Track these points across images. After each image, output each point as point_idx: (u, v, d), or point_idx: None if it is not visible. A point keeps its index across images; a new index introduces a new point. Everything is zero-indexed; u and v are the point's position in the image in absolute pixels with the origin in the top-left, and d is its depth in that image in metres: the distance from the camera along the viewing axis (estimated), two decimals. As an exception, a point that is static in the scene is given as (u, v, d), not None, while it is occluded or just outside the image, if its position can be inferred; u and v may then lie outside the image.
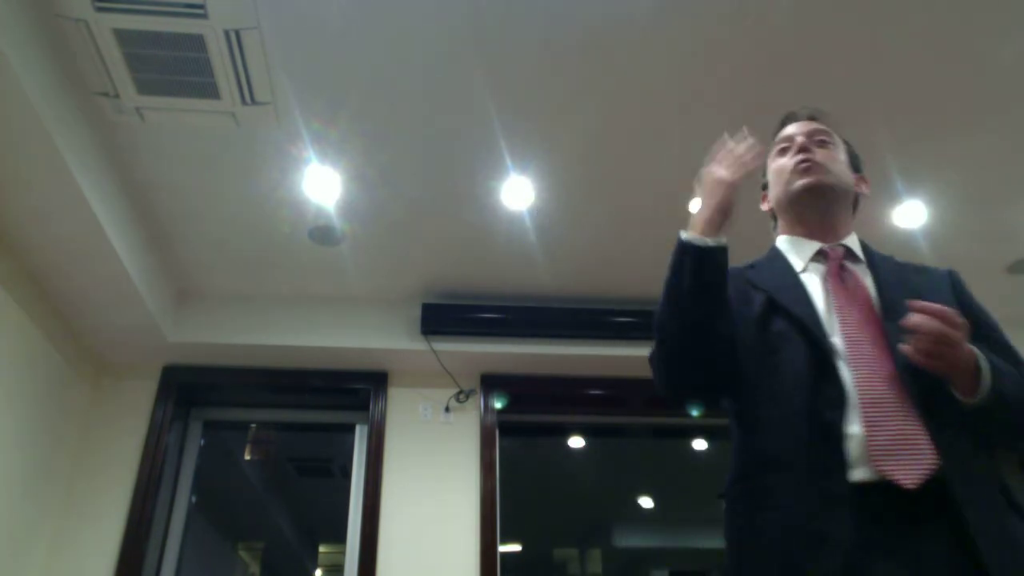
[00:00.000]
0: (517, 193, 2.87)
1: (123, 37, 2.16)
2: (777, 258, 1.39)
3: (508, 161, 2.72)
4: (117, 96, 2.35)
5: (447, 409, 3.52)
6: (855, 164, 1.49)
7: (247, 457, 4.31)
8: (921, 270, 1.37)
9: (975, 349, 1.10)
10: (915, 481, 1.03)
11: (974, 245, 3.22)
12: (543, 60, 2.33)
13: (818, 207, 1.38)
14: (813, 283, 1.29)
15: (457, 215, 2.99)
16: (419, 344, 3.42)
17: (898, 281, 1.28)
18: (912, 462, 1.04)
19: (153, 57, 2.23)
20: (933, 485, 1.03)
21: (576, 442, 4.09)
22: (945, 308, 1.06)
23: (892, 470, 1.04)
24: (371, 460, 3.35)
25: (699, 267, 1.19)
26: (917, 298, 1.17)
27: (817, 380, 1.15)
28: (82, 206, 2.43)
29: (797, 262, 1.35)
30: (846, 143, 1.51)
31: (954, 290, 1.34)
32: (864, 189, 1.47)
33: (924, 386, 1.11)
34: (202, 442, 3.56)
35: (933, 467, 1.04)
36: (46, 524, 2.99)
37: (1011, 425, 1.15)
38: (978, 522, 1.01)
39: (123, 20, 2.10)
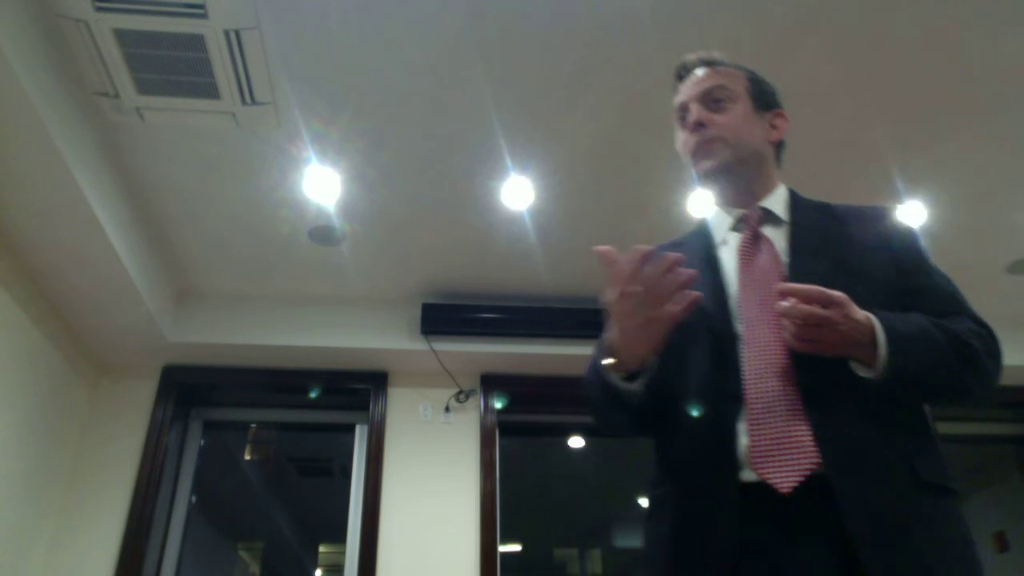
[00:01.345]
0: (517, 193, 2.87)
1: (123, 37, 2.16)
2: (702, 231, 1.31)
3: (508, 161, 2.72)
4: (117, 96, 2.35)
5: (447, 409, 3.52)
6: (765, 101, 1.36)
7: (247, 457, 4.31)
8: (855, 218, 1.23)
9: (872, 318, 1.00)
10: (790, 485, 0.96)
11: (974, 245, 3.22)
12: (543, 60, 2.33)
13: (727, 184, 1.28)
14: (729, 258, 1.21)
15: (457, 215, 2.99)
16: (419, 344, 3.42)
17: (819, 241, 1.17)
18: (790, 463, 0.97)
19: (153, 57, 2.23)
20: (817, 487, 0.95)
21: (576, 442, 4.09)
22: (813, 289, 0.98)
23: (769, 473, 0.97)
24: (371, 460, 3.35)
25: (617, 399, 1.10)
26: (838, 258, 1.12)
27: (718, 375, 1.08)
28: (82, 206, 2.43)
29: (718, 234, 1.27)
30: (750, 78, 1.36)
31: (888, 238, 1.21)
32: (778, 133, 1.36)
33: (819, 371, 1.02)
34: (202, 442, 3.56)
35: (812, 468, 0.96)
36: (46, 524, 2.99)
37: (929, 389, 1.06)
38: (864, 527, 0.92)
39: (123, 20, 2.10)
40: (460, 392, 3.55)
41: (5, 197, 2.39)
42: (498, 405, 3.58)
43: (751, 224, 1.23)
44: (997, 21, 2.24)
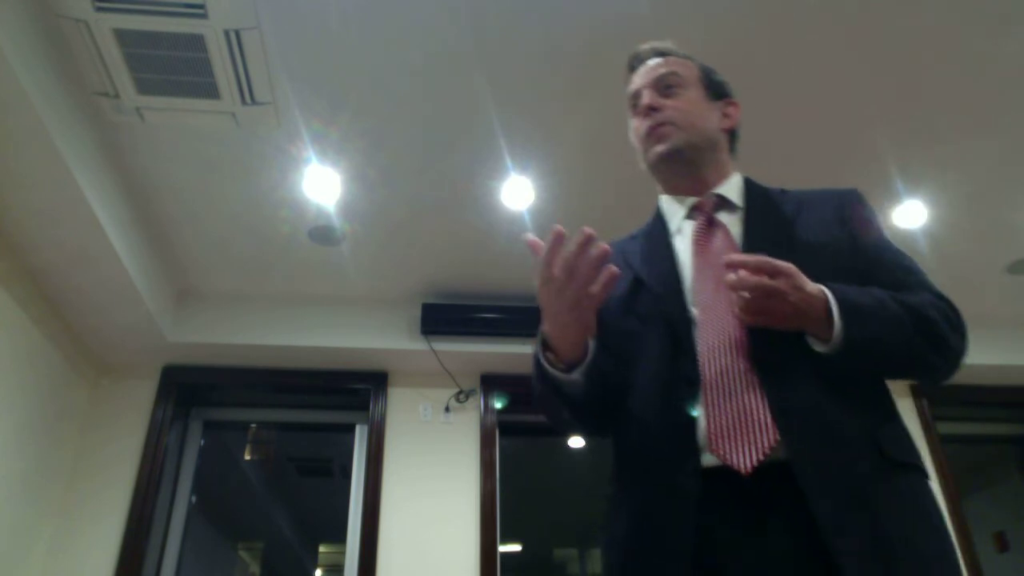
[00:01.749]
0: (517, 193, 2.87)
1: (123, 37, 2.16)
2: (656, 221, 1.29)
3: (508, 161, 2.72)
4: (117, 96, 2.35)
5: (447, 409, 3.52)
6: (717, 91, 1.34)
7: (247, 457, 4.31)
8: (811, 200, 1.20)
9: (825, 289, 0.98)
10: (748, 465, 0.92)
11: (974, 245, 3.22)
12: (543, 60, 2.33)
13: (679, 171, 1.26)
14: (684, 246, 1.18)
15: (457, 215, 2.99)
16: (419, 344, 3.42)
17: (774, 226, 1.15)
18: (748, 443, 0.93)
19: (153, 57, 2.23)
20: (779, 467, 0.92)
21: (576, 442, 4.09)
22: (759, 259, 0.96)
23: (727, 454, 0.93)
24: (371, 460, 3.35)
25: (559, 391, 1.08)
26: (792, 239, 1.11)
27: (673, 360, 1.04)
28: (82, 206, 2.43)
29: (672, 223, 1.25)
30: (701, 67, 1.35)
31: (844, 217, 1.16)
32: (731, 121, 1.34)
33: (777, 342, 0.99)
34: (202, 442, 3.56)
35: (770, 446, 0.92)
36: (46, 524, 2.99)
37: (889, 362, 1.03)
38: (826, 506, 0.89)
39: (123, 20, 2.10)
40: (460, 392, 3.55)
41: (5, 197, 2.39)
42: (498, 405, 3.58)
43: (705, 211, 1.21)
44: (997, 21, 2.24)
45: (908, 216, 3.02)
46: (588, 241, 0.98)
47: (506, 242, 3.14)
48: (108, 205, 2.59)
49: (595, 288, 1.00)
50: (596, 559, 4.39)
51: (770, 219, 1.17)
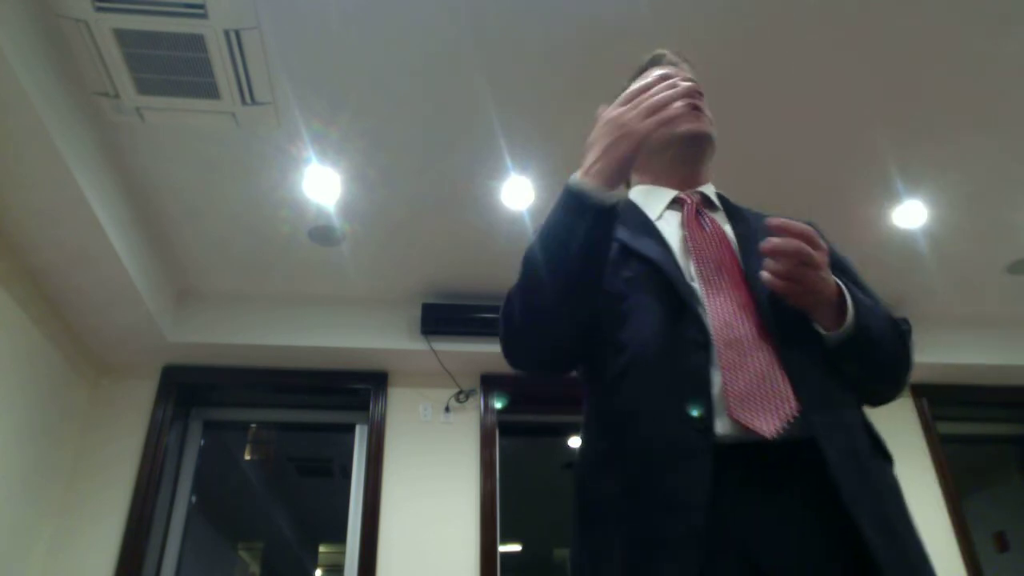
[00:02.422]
0: (517, 193, 2.87)
1: (123, 37, 2.16)
2: (630, 208, 1.25)
3: (508, 161, 2.72)
4: (117, 96, 2.35)
5: (447, 409, 3.52)
6: None
7: (247, 457, 4.31)
8: (762, 218, 1.21)
9: (837, 280, 1.02)
10: (775, 430, 0.92)
11: (974, 245, 3.22)
12: (543, 60, 2.33)
13: (697, 158, 1.27)
14: (670, 229, 1.17)
15: (457, 215, 2.99)
16: (419, 344, 3.42)
17: (755, 228, 1.16)
18: (772, 409, 0.93)
19: (153, 57, 2.23)
20: (796, 434, 0.93)
21: (576, 442, 4.09)
22: (805, 226, 0.97)
23: (751, 418, 0.93)
24: (371, 460, 3.35)
25: (595, 226, 1.00)
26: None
27: (676, 324, 1.03)
28: (82, 206, 2.43)
29: (652, 211, 1.23)
30: None
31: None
32: None
33: (785, 322, 1.01)
34: (202, 442, 3.56)
35: (794, 414, 0.93)
36: (46, 523, 2.99)
37: (876, 363, 1.06)
38: (844, 477, 0.90)
39: (123, 20, 2.10)
40: (460, 392, 3.55)
41: (5, 197, 2.39)
42: (498, 405, 3.58)
43: (692, 202, 1.22)
44: (997, 21, 2.24)
45: (908, 216, 3.02)
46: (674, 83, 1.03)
47: (506, 242, 3.14)
48: (108, 205, 2.59)
49: (668, 112, 1.01)
50: (596, 559, 4.39)
51: (750, 223, 1.19)
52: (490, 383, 3.59)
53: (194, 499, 3.44)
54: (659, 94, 1.02)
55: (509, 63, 2.34)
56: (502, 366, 4.05)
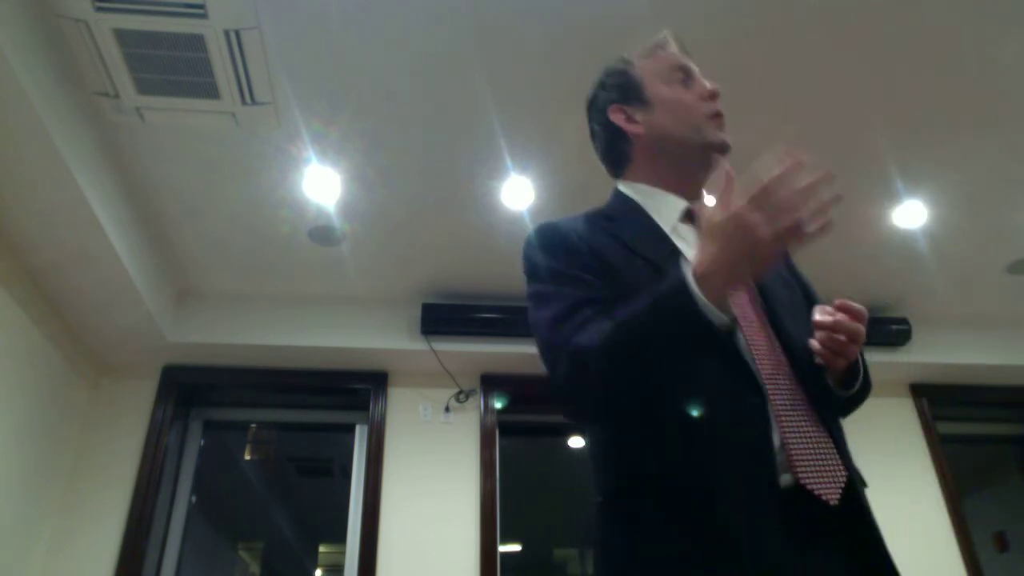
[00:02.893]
0: (517, 193, 2.87)
1: (123, 37, 2.16)
2: (636, 211, 1.17)
3: (508, 161, 2.72)
4: (117, 96, 2.35)
5: (447, 409, 3.52)
6: None
7: (247, 457, 4.31)
8: None
9: None
10: (835, 494, 0.94)
11: (974, 245, 3.22)
12: (543, 60, 2.33)
13: (711, 167, 1.20)
14: (690, 251, 1.09)
15: (457, 215, 2.99)
16: (419, 344, 3.42)
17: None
18: (829, 473, 0.95)
19: (153, 57, 2.23)
20: (845, 493, 0.96)
21: (576, 442, 4.09)
22: (863, 309, 1.01)
23: (814, 482, 0.93)
24: (371, 460, 3.35)
25: (708, 354, 0.95)
26: (780, 276, 1.16)
27: (732, 374, 0.99)
28: (82, 206, 2.43)
29: (662, 219, 1.15)
30: None
31: (789, 264, 1.24)
32: None
33: (812, 381, 1.03)
34: (202, 442, 3.56)
35: (846, 477, 0.96)
36: (46, 524, 2.99)
37: (855, 407, 1.14)
38: (879, 533, 0.97)
39: (123, 20, 2.10)
40: (460, 392, 3.55)
41: (5, 197, 2.39)
42: (498, 405, 3.58)
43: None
44: (997, 21, 2.24)
45: (908, 216, 3.02)
46: (826, 178, 0.88)
47: (506, 242, 3.14)
48: (108, 205, 2.59)
49: (814, 227, 0.87)
50: (596, 559, 4.38)
51: None
52: (490, 383, 3.59)
53: (194, 499, 3.44)
54: (792, 207, 0.87)
55: (509, 63, 2.34)
56: (502, 366, 4.03)
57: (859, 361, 1.07)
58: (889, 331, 3.57)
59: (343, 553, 3.29)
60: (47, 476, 3.00)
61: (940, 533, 3.43)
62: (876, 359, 3.61)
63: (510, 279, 3.56)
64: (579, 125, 2.48)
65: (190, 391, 3.49)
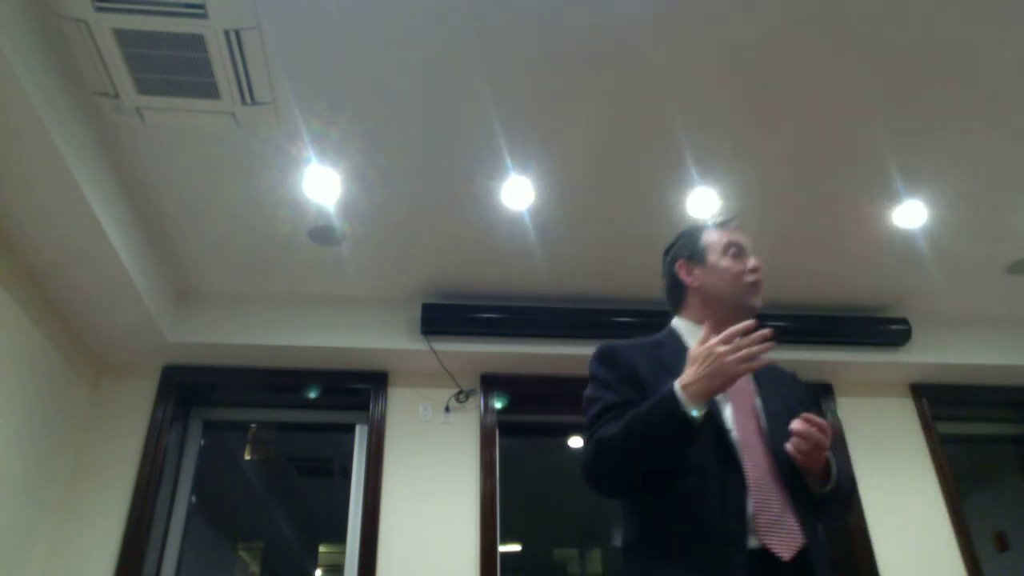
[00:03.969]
0: (517, 193, 2.87)
1: (123, 37, 2.16)
2: (677, 341, 1.59)
3: (508, 161, 2.72)
4: (117, 96, 2.35)
5: (447, 409, 3.52)
6: None
7: (247, 457, 4.31)
8: (777, 370, 1.63)
9: (829, 454, 1.41)
10: (790, 553, 1.30)
11: (974, 245, 3.22)
12: (543, 60, 2.33)
13: (742, 319, 1.51)
14: None
15: (457, 215, 2.99)
16: (419, 344, 3.42)
17: (768, 380, 1.56)
18: (787, 537, 1.32)
19: (153, 57, 2.23)
20: (799, 556, 1.31)
21: (576, 442, 4.09)
22: (825, 423, 1.36)
23: (773, 543, 1.31)
24: (371, 460, 3.35)
25: (685, 440, 1.33)
26: (782, 397, 1.54)
27: (724, 462, 1.38)
28: (82, 206, 2.43)
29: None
30: None
31: (798, 387, 1.64)
32: None
33: (790, 475, 1.40)
34: (202, 442, 3.56)
35: (802, 543, 1.32)
36: (46, 524, 2.99)
37: (838, 511, 1.49)
38: None
39: (123, 20, 2.10)
40: (460, 392, 3.55)
41: (5, 197, 2.39)
42: (498, 405, 3.58)
43: None
44: (997, 21, 2.24)
45: (908, 216, 3.02)
46: (768, 334, 1.36)
47: (506, 242, 3.14)
48: (108, 205, 2.59)
49: (754, 363, 1.33)
50: (596, 559, 4.38)
51: (766, 376, 1.57)
52: (490, 383, 3.59)
53: (194, 499, 3.44)
54: (752, 346, 1.32)
55: (509, 63, 2.34)
56: (502, 366, 4.05)
57: (830, 465, 1.40)
58: (889, 331, 3.57)
59: (343, 553, 3.29)
60: (47, 476, 3.00)
61: (940, 533, 3.43)
62: (876, 359, 3.62)
63: (510, 279, 3.58)
64: (579, 125, 2.49)
65: (190, 391, 3.50)
